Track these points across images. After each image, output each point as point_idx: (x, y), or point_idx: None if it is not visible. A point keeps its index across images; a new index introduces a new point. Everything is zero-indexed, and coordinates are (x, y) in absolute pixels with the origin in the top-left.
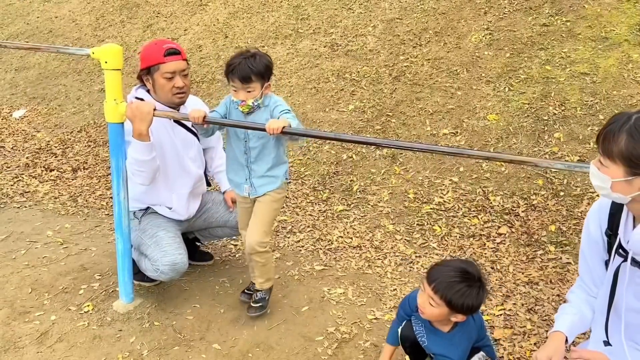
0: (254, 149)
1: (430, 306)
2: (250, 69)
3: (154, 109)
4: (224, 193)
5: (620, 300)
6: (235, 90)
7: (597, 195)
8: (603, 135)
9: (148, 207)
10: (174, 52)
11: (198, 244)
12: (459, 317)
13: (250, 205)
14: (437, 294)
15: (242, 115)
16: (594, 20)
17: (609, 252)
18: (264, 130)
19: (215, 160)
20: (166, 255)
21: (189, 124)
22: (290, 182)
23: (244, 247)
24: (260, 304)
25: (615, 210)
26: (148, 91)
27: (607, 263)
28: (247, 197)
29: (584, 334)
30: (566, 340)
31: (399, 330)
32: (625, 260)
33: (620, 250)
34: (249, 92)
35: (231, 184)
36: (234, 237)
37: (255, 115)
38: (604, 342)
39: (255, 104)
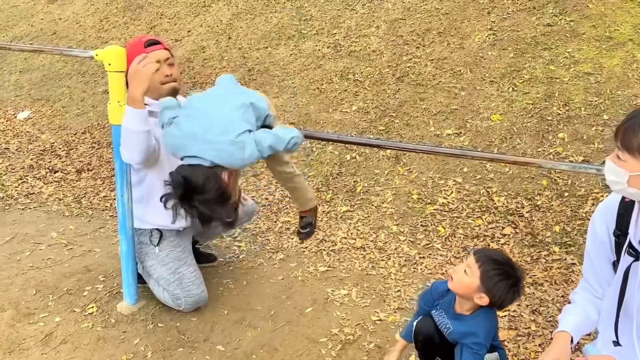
0: None
1: (463, 274)
2: None
3: (157, 70)
4: None
5: (632, 300)
6: None
7: (602, 196)
8: (623, 130)
9: (161, 233)
10: (154, 42)
11: (197, 246)
12: (483, 300)
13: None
14: (477, 263)
15: None
16: (598, 20)
17: (617, 252)
18: None
19: None
20: (190, 295)
21: None
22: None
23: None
24: (307, 229)
25: (624, 210)
26: None
27: (614, 264)
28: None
29: (589, 334)
30: (571, 341)
31: (415, 322)
32: (637, 260)
33: (630, 250)
34: None
35: None
36: (235, 234)
37: None
38: (614, 342)
39: None
